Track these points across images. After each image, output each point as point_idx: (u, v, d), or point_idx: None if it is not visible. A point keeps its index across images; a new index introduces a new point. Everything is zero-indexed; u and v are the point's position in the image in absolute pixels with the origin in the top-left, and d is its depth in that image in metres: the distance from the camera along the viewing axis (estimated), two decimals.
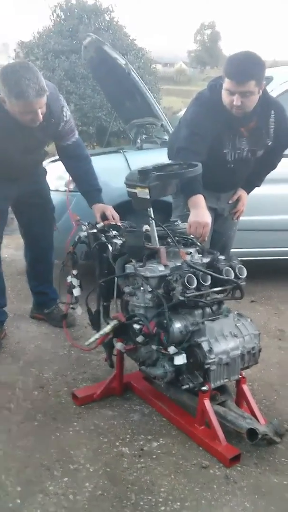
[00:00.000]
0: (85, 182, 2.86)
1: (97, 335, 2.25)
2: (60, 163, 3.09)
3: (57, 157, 3.25)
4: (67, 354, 2.86)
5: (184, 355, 2.02)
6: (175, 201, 2.93)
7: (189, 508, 1.78)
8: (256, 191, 3.06)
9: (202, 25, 75.35)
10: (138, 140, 4.49)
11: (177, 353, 2.02)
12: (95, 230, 2.47)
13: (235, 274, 2.22)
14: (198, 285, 2.09)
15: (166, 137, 3.87)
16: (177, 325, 2.08)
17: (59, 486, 1.85)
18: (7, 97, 2.38)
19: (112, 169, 3.58)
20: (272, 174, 3.00)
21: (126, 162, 3.61)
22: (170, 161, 2.57)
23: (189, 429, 2.14)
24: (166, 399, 2.33)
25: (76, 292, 2.50)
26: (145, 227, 2.34)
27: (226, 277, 2.17)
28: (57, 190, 3.51)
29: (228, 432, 2.09)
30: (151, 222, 2.21)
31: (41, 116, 2.46)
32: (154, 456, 2.03)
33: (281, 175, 3.15)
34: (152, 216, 2.19)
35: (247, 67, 2.40)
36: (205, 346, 2.04)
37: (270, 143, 2.67)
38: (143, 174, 2.09)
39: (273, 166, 2.92)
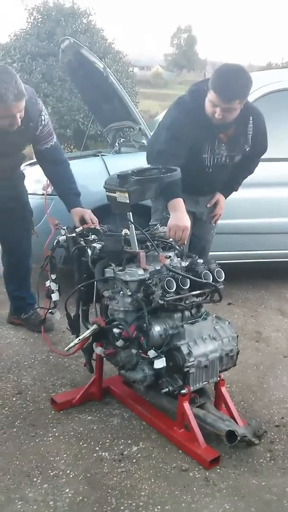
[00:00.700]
0: (63, 186, 2.85)
1: (76, 340, 2.24)
2: (37, 166, 3.07)
3: (34, 160, 3.24)
4: (45, 359, 2.84)
5: (163, 359, 2.03)
6: (154, 204, 2.94)
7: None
8: (234, 195, 3.09)
9: (179, 29, 75.79)
10: (116, 144, 4.50)
11: (156, 357, 2.02)
12: (74, 234, 2.46)
13: (214, 277, 2.24)
14: (177, 289, 2.10)
15: (144, 141, 3.89)
16: (157, 329, 2.09)
17: (38, 492, 1.84)
18: None
19: (91, 173, 3.58)
20: (249, 179, 3.04)
21: (105, 166, 3.61)
22: (149, 166, 2.58)
23: (168, 432, 2.15)
24: (145, 403, 2.34)
25: (55, 296, 2.49)
26: (125, 231, 2.34)
27: (204, 281, 2.19)
28: (34, 194, 3.49)
29: (208, 435, 2.11)
30: (130, 226, 2.22)
31: (19, 120, 2.44)
32: (134, 460, 2.03)
33: (257, 179, 3.19)
34: (132, 220, 2.19)
35: (235, 87, 2.41)
36: (184, 349, 2.05)
37: (247, 149, 2.71)
38: (123, 179, 2.09)
39: (250, 171, 2.97)
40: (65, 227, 2.52)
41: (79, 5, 9.23)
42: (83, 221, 2.67)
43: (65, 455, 2.04)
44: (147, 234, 2.29)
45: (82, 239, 2.45)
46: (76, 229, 2.51)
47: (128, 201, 2.10)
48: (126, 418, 2.32)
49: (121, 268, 2.20)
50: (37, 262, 3.36)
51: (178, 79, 53.03)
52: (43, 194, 3.27)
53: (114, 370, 2.43)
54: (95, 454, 2.06)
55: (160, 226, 2.55)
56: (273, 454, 2.11)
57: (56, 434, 2.18)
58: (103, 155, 4.02)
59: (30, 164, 4.08)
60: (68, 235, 2.46)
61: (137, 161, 3.17)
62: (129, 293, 2.13)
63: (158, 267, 2.18)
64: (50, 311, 2.53)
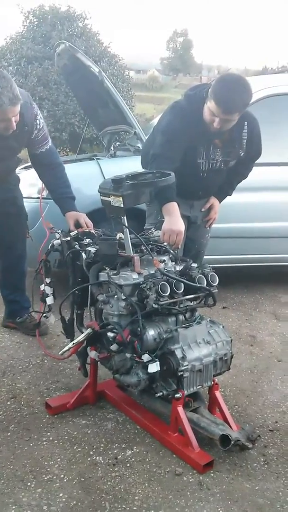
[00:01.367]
0: (58, 190, 2.85)
1: (70, 344, 2.24)
2: (33, 170, 3.08)
3: (29, 163, 3.24)
4: (40, 363, 2.83)
5: (157, 363, 2.03)
6: (149, 208, 2.95)
7: None
8: (228, 199, 3.10)
9: (175, 32, 76.14)
10: (112, 148, 4.51)
11: (150, 361, 2.02)
12: (68, 238, 2.46)
13: (208, 282, 2.25)
14: (172, 293, 2.11)
15: (139, 145, 3.90)
16: (151, 333, 2.10)
17: (32, 497, 1.84)
18: None
19: (86, 177, 3.59)
20: (243, 183, 3.05)
21: (100, 169, 3.62)
22: (143, 170, 2.59)
23: (162, 436, 2.16)
24: (140, 407, 2.34)
25: (49, 300, 2.49)
26: (119, 235, 2.35)
27: (198, 285, 2.20)
28: (29, 197, 3.49)
29: (201, 439, 2.12)
30: (124, 230, 2.23)
31: (14, 124, 2.46)
32: (128, 465, 2.03)
33: (252, 183, 3.20)
34: (126, 224, 2.20)
35: (236, 101, 2.41)
36: (179, 354, 2.06)
37: (242, 154, 2.72)
38: (117, 183, 2.10)
39: (244, 176, 2.98)
40: (59, 231, 2.52)
41: (75, 8, 9.24)
42: (78, 225, 2.67)
43: (59, 459, 2.04)
44: (142, 238, 2.30)
45: (76, 243, 2.45)
46: (71, 233, 2.52)
47: (122, 206, 2.10)
48: (120, 422, 2.32)
49: (115, 272, 2.20)
50: (32, 265, 3.37)
51: (174, 82, 53.30)
52: (38, 198, 3.27)
53: (108, 374, 2.43)
54: (89, 458, 2.05)
55: (155, 230, 2.56)
56: (267, 458, 2.11)
57: (50, 438, 2.17)
58: (99, 158, 4.03)
59: (26, 168, 4.08)
60: (63, 239, 2.46)
61: (132, 165, 3.17)
62: (123, 297, 2.13)
63: (152, 271, 2.19)
64: (44, 315, 2.53)
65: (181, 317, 2.22)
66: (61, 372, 2.73)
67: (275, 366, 2.98)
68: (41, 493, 1.86)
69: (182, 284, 2.14)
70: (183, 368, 2.04)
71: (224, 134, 2.61)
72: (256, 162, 2.93)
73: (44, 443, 2.14)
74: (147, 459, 2.07)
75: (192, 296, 2.21)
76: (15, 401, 2.44)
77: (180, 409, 2.09)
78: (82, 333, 2.26)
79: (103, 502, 1.82)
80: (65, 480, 1.93)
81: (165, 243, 2.44)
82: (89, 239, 2.49)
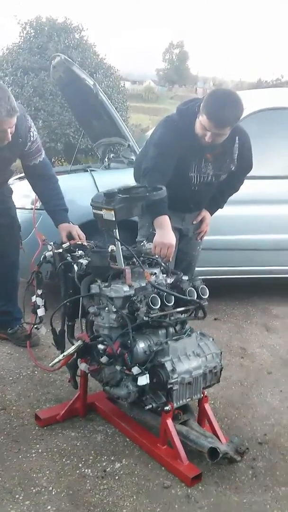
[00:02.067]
0: (51, 202, 2.87)
1: (61, 356, 2.25)
2: (26, 181, 3.10)
3: (23, 174, 3.27)
4: (30, 374, 2.83)
5: (147, 375, 2.04)
6: (140, 220, 2.97)
7: None
8: (220, 211, 3.13)
9: (171, 44, 76.74)
10: (106, 159, 4.54)
11: (140, 374, 2.04)
12: (60, 250, 2.48)
13: (198, 294, 2.27)
14: (162, 306, 2.12)
15: (133, 157, 3.93)
16: (141, 345, 2.11)
17: (21, 509, 1.84)
18: None
19: (80, 188, 3.61)
20: (235, 196, 3.09)
21: (93, 181, 3.64)
22: (136, 184, 2.62)
23: (152, 449, 2.16)
24: (129, 419, 2.34)
25: (41, 312, 2.49)
26: (111, 247, 2.37)
27: (189, 298, 2.21)
28: (23, 208, 3.51)
29: (190, 451, 2.12)
30: (116, 243, 2.25)
31: (10, 136, 2.48)
32: (117, 477, 2.03)
33: (243, 196, 3.23)
34: (118, 237, 2.22)
35: (228, 115, 2.45)
36: (168, 366, 2.07)
37: (233, 168, 2.76)
38: (109, 197, 2.12)
39: (236, 189, 3.02)
40: (52, 243, 2.54)
41: (72, 20, 9.33)
42: (70, 236, 2.69)
43: (47, 472, 2.04)
44: (133, 251, 2.32)
45: (68, 255, 2.47)
46: (63, 245, 2.53)
47: (114, 219, 2.13)
48: (110, 434, 2.32)
49: (106, 284, 2.22)
50: (24, 276, 3.38)
51: (169, 93, 53.67)
52: (31, 209, 3.29)
53: (99, 386, 2.43)
54: (77, 471, 2.06)
55: (147, 243, 2.58)
56: (255, 471, 2.12)
57: (40, 450, 2.17)
58: (92, 170, 4.06)
59: (19, 178, 4.11)
60: (55, 251, 2.47)
61: (126, 177, 3.21)
62: (114, 310, 2.15)
63: (143, 284, 2.21)
64: (35, 326, 2.53)
65: (171, 329, 2.23)
66: (51, 384, 2.73)
67: (265, 378, 3.00)
68: (29, 505, 1.86)
69: (173, 297, 2.16)
70: (172, 380, 2.06)
71: (216, 148, 2.65)
72: (247, 175, 2.97)
73: (33, 455, 2.14)
74: (136, 472, 2.07)
75: (182, 308, 2.23)
76: (4, 413, 2.43)
77: (169, 421, 2.09)
78: (73, 345, 2.27)
79: None
80: (53, 493, 1.93)
81: (156, 256, 2.46)
82: (81, 251, 2.51)
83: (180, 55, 74.51)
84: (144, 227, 2.89)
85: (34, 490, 1.94)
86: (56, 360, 2.27)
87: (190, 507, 1.90)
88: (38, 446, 2.20)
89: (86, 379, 2.39)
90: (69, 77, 4.08)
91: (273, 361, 3.24)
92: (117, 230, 2.21)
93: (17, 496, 1.90)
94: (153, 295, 2.10)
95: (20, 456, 2.13)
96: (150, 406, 2.11)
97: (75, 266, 2.37)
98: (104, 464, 2.11)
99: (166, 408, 2.08)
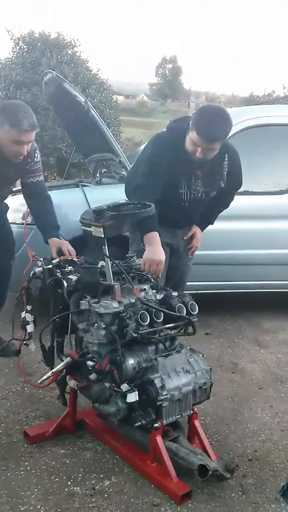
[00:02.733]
0: (43, 217, 2.92)
1: (49, 373, 2.25)
2: (18, 196, 3.14)
3: (16, 189, 3.33)
4: (20, 390, 2.82)
5: (136, 393, 2.04)
6: (131, 236, 2.98)
7: None
8: (211, 227, 3.16)
9: (164, 59, 77.59)
10: (97, 174, 4.57)
11: (129, 391, 2.03)
12: (50, 266, 2.48)
13: (187, 310, 2.27)
14: (151, 322, 2.13)
15: (124, 173, 3.97)
16: (130, 362, 2.11)
17: None
18: (1, 125, 2.53)
19: (71, 203, 3.63)
20: (226, 211, 3.11)
21: (85, 196, 3.66)
22: (125, 201, 2.63)
23: (141, 466, 2.15)
24: (119, 436, 2.33)
25: (30, 328, 2.49)
26: (101, 263, 2.37)
27: (178, 314, 2.22)
28: (14, 223, 3.52)
29: (180, 469, 2.11)
30: (106, 259, 2.25)
31: (26, 151, 2.61)
32: (106, 495, 2.02)
33: (234, 212, 3.26)
34: (107, 254, 2.23)
35: (217, 129, 2.49)
36: (158, 383, 2.07)
37: (223, 185, 2.78)
38: (98, 214, 2.14)
39: (226, 206, 3.04)
40: (42, 258, 2.54)
41: (65, 36, 9.44)
42: (60, 252, 2.70)
43: (36, 490, 2.02)
44: (122, 267, 2.33)
45: (58, 271, 2.47)
46: (53, 261, 2.54)
47: (103, 236, 2.14)
48: (99, 451, 2.30)
49: (96, 300, 2.22)
50: (14, 290, 3.38)
51: (162, 108, 54.15)
52: (22, 223, 3.30)
53: (88, 403, 2.42)
54: (66, 489, 2.04)
55: (137, 258, 2.59)
56: (245, 488, 2.11)
57: (28, 468, 2.16)
58: (84, 185, 4.08)
59: (12, 193, 4.11)
60: (45, 267, 2.48)
61: (117, 192, 3.23)
62: (103, 326, 2.15)
63: (133, 300, 2.21)
64: (25, 342, 2.53)
65: (160, 346, 2.24)
66: (41, 400, 2.72)
67: (256, 394, 2.99)
68: None
69: (162, 313, 2.17)
70: (162, 397, 2.05)
71: (205, 165, 2.68)
72: (238, 191, 3.00)
73: (22, 472, 2.12)
74: (125, 490, 2.06)
75: (171, 325, 2.23)
76: None
77: (158, 438, 2.08)
78: (62, 361, 2.27)
79: None
80: (41, 511, 1.91)
81: (146, 272, 2.47)
82: (71, 267, 2.52)
83: (173, 70, 75.32)
84: (135, 242, 2.91)
85: (22, 508, 1.92)
86: (45, 377, 2.26)
87: None
88: (26, 463, 2.18)
89: (76, 395, 2.38)
90: (61, 93, 4.11)
91: (264, 377, 3.24)
92: (106, 247, 2.22)
93: None
94: (142, 311, 2.10)
95: (8, 474, 2.11)
96: (140, 423, 2.10)
97: (64, 282, 2.37)
98: (93, 481, 2.09)
99: (156, 425, 2.07)
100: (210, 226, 3.14)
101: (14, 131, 2.53)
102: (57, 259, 2.55)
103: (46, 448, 2.29)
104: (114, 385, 2.08)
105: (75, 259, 2.60)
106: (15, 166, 2.74)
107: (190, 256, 3.15)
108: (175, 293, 2.35)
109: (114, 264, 2.31)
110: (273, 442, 2.49)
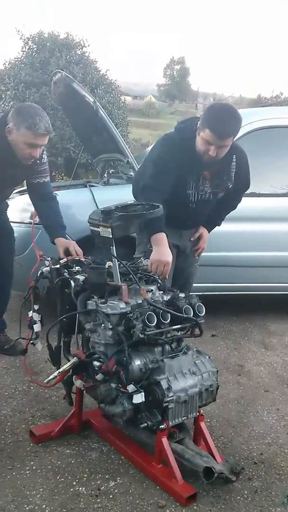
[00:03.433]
0: (50, 219, 2.92)
1: (56, 373, 2.25)
2: (26, 196, 3.14)
3: (23, 188, 3.34)
4: (26, 389, 2.82)
5: (142, 394, 2.04)
6: (139, 237, 2.98)
7: None
8: (218, 228, 3.15)
9: (172, 60, 77.61)
10: (105, 175, 4.57)
11: (135, 392, 2.03)
12: (58, 266, 2.48)
13: (194, 312, 2.27)
14: (158, 323, 2.12)
15: (132, 173, 3.96)
16: (137, 363, 2.11)
17: None
18: (17, 127, 2.54)
19: (78, 204, 3.63)
20: (233, 213, 3.10)
21: (92, 197, 3.66)
22: (133, 201, 2.63)
23: (146, 467, 2.14)
24: (125, 437, 2.33)
25: (37, 327, 2.49)
26: (108, 263, 2.37)
27: (185, 315, 2.22)
28: (21, 222, 3.53)
29: (186, 471, 2.10)
30: (113, 260, 2.25)
31: (38, 154, 2.63)
32: (111, 496, 2.02)
33: (241, 213, 3.25)
34: (115, 254, 2.23)
35: (230, 125, 2.50)
36: (164, 384, 2.07)
37: (230, 186, 2.77)
38: (106, 214, 2.14)
39: (233, 207, 3.03)
40: (49, 258, 2.55)
41: (74, 36, 9.45)
42: (67, 252, 2.70)
43: (41, 489, 2.03)
44: (130, 268, 2.32)
45: (66, 271, 2.47)
46: (61, 261, 2.54)
47: (111, 236, 2.14)
48: (105, 452, 2.30)
49: (103, 300, 2.22)
50: (20, 289, 3.40)
51: (170, 109, 54.16)
52: (30, 223, 3.31)
53: (94, 403, 2.42)
54: (71, 489, 2.04)
55: (144, 259, 2.59)
56: (251, 491, 2.11)
57: (34, 467, 2.16)
58: (92, 185, 4.08)
59: (19, 192, 4.13)
60: (52, 267, 2.48)
61: (125, 193, 3.23)
62: (110, 326, 2.14)
63: (140, 301, 2.21)
64: (31, 342, 2.53)
65: (167, 347, 2.23)
66: (47, 400, 2.72)
67: (262, 396, 2.98)
68: None
69: (169, 314, 2.17)
70: (168, 399, 2.05)
71: (214, 166, 2.67)
72: (246, 193, 2.99)
73: (27, 472, 2.13)
74: (130, 491, 2.06)
75: (178, 326, 2.23)
76: None
77: (164, 440, 2.08)
78: (69, 361, 2.27)
79: None
80: (46, 511, 1.91)
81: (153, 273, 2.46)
82: (79, 267, 2.52)
83: (181, 71, 75.35)
84: (142, 243, 2.91)
85: (27, 508, 1.92)
86: (51, 376, 2.26)
87: None
88: (32, 463, 2.18)
89: (82, 396, 2.38)
90: (69, 93, 4.12)
91: (270, 379, 3.23)
92: (114, 247, 2.22)
93: None
94: (149, 312, 2.10)
95: (14, 473, 2.11)
96: (145, 424, 2.10)
97: (72, 282, 2.37)
98: (98, 482, 2.09)
99: (161, 426, 2.07)
100: (216, 228, 3.14)
101: (30, 134, 2.54)
102: (65, 259, 2.55)
103: (51, 448, 2.29)
104: (120, 386, 2.08)
105: (83, 259, 2.60)
106: (23, 167, 2.75)
107: (197, 257, 3.15)
108: (182, 295, 2.35)
109: (122, 265, 2.31)
110: (279, 445, 2.48)
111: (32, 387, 2.83)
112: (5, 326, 3.30)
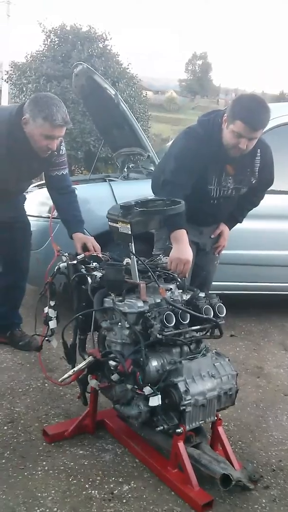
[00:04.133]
0: (68, 212, 2.87)
1: (71, 372, 2.19)
2: (45, 189, 3.09)
3: (42, 182, 3.29)
4: (40, 386, 2.78)
5: (159, 396, 1.97)
6: (157, 233, 2.91)
7: None
8: (239, 226, 3.06)
9: (194, 55, 77.16)
10: (125, 169, 4.51)
11: (152, 394, 1.96)
12: (75, 262, 2.43)
13: (215, 313, 2.19)
14: (177, 323, 2.05)
15: (152, 168, 3.89)
16: (154, 364, 2.04)
17: None
18: (33, 118, 2.48)
19: (97, 198, 3.58)
20: (255, 210, 3.01)
21: (112, 191, 3.60)
22: (154, 197, 2.56)
23: (161, 472, 2.08)
24: (139, 439, 2.26)
25: (53, 323, 2.44)
26: (126, 260, 2.31)
27: (205, 316, 2.14)
28: (39, 216, 3.49)
29: (202, 476, 2.03)
30: (132, 257, 2.18)
31: (55, 146, 2.57)
32: (124, 500, 1.95)
33: (263, 211, 3.15)
34: (133, 251, 2.16)
35: (263, 116, 2.42)
36: (182, 387, 1.99)
37: (254, 182, 2.68)
38: (126, 209, 2.07)
39: (255, 204, 2.94)
40: (66, 254, 2.49)
41: (96, 29, 9.38)
42: (85, 248, 2.65)
43: (53, 492, 1.97)
44: (148, 266, 2.25)
45: (83, 267, 2.41)
46: (78, 256, 2.48)
47: (130, 232, 2.07)
48: (119, 454, 2.24)
49: (120, 298, 2.16)
50: (36, 284, 3.36)
51: (191, 104, 53.91)
52: (48, 217, 3.27)
53: (109, 403, 2.36)
54: (84, 492, 1.98)
55: (163, 257, 2.52)
56: (269, 500, 2.03)
57: (46, 468, 2.11)
58: (111, 180, 4.02)
59: (38, 186, 4.10)
60: (70, 262, 2.42)
61: (144, 188, 3.16)
62: (127, 325, 2.08)
63: (158, 300, 2.14)
64: (47, 338, 2.48)
65: (186, 348, 2.16)
66: (61, 398, 2.67)
67: (282, 400, 2.89)
68: None
69: (188, 315, 2.09)
70: (185, 402, 1.98)
71: (237, 161, 2.58)
72: (268, 190, 2.89)
73: (39, 473, 2.07)
74: (144, 496, 1.99)
75: (198, 327, 2.15)
76: (12, 426, 2.38)
77: (180, 444, 2.01)
78: (84, 359, 2.21)
79: None
80: None
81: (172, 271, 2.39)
82: (96, 263, 2.46)
83: (203, 66, 74.87)
84: (161, 240, 2.83)
85: (38, 510, 1.87)
86: (66, 375, 2.21)
87: None
88: (44, 463, 2.13)
89: (97, 395, 2.32)
90: (91, 86, 4.06)
91: None
92: (133, 244, 2.15)
93: None
94: (168, 312, 2.03)
95: (25, 473, 2.06)
96: (162, 427, 2.03)
97: (89, 278, 2.32)
98: (111, 485, 2.03)
99: (178, 430, 2.00)
100: (237, 225, 3.05)
101: (47, 125, 2.47)
102: (82, 255, 2.49)
103: (64, 448, 2.24)
104: (136, 387, 2.01)
105: (100, 255, 2.54)
106: (41, 159, 2.68)
107: (217, 255, 3.06)
108: (202, 294, 2.27)
109: (140, 262, 2.24)
110: None
111: (46, 384, 2.79)
112: (21, 321, 3.27)
